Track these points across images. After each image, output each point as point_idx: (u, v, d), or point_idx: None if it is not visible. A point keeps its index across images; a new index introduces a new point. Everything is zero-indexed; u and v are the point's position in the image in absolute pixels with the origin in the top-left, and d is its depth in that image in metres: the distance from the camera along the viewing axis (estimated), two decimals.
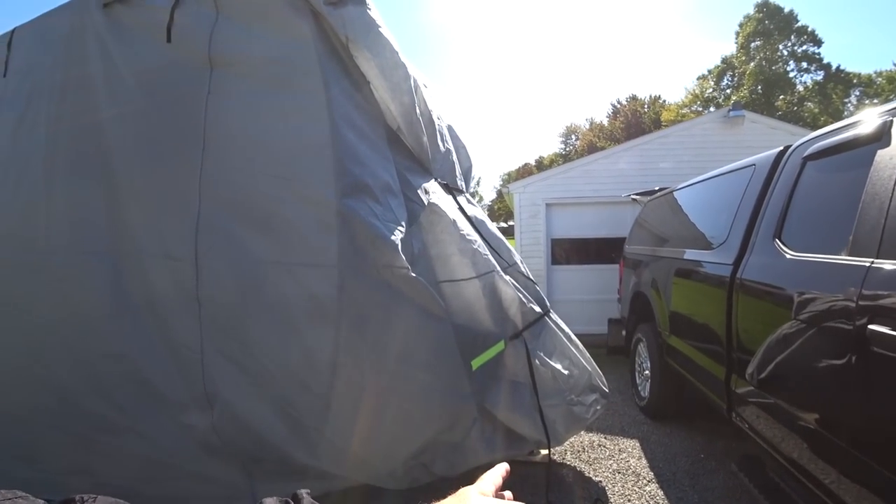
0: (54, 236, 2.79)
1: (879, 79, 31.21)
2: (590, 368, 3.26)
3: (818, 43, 31.60)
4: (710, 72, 35.76)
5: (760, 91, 31.67)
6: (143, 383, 2.60)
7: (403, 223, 2.48)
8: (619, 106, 44.46)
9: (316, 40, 2.40)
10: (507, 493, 0.58)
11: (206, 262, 2.50)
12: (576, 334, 3.40)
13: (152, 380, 2.60)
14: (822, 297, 1.79)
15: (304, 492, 0.59)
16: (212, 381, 2.51)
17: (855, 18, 49.94)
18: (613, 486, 3.10)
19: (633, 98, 43.82)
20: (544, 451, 3.18)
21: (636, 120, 41.16)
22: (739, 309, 2.45)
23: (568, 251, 7.93)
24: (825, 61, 31.40)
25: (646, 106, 42.62)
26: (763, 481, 2.23)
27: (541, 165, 45.91)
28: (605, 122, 45.43)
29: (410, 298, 2.46)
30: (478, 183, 45.49)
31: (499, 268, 2.97)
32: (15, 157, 2.98)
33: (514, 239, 7.96)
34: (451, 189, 3.21)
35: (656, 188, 5.49)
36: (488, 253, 2.95)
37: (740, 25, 33.32)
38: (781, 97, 31.76)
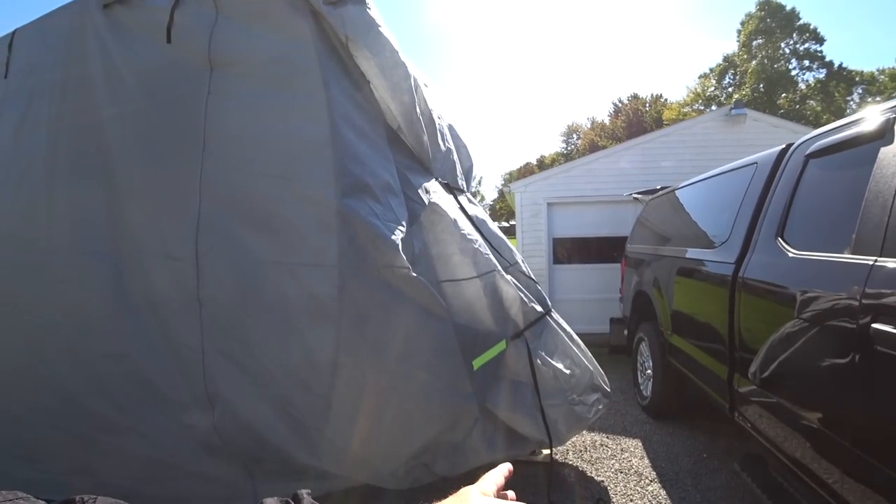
0: (55, 237, 2.80)
1: (882, 76, 31.10)
2: (591, 368, 3.26)
3: (820, 41, 31.51)
4: (711, 70, 35.68)
5: (762, 89, 31.58)
6: (144, 383, 2.60)
7: (404, 223, 2.48)
8: (620, 105, 44.40)
9: (315, 40, 2.40)
10: (510, 493, 0.57)
11: (206, 262, 2.50)
12: (577, 333, 3.39)
13: (153, 380, 2.60)
14: (824, 296, 1.77)
15: (304, 492, 0.59)
16: (213, 381, 2.51)
17: (857, 16, 49.78)
18: (615, 486, 3.09)
19: (635, 97, 43.76)
20: (546, 451, 3.17)
21: (638, 119, 41.09)
22: (742, 308, 2.44)
23: (569, 250, 7.92)
24: (827, 59, 31.32)
25: (647, 105, 42.54)
26: (766, 481, 2.22)
27: (542, 164, 45.88)
28: (607, 120, 45.36)
29: (411, 298, 2.45)
30: (479, 182, 45.51)
31: (500, 267, 2.96)
32: (16, 158, 2.99)
33: (515, 238, 7.95)
34: (452, 188, 3.20)
35: (658, 187, 5.47)
36: (489, 252, 2.94)
37: (742, 24, 33.24)
38: (783, 95, 31.67)
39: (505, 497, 0.57)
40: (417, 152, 2.90)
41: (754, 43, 32.47)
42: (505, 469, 0.59)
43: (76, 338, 2.72)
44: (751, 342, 2.35)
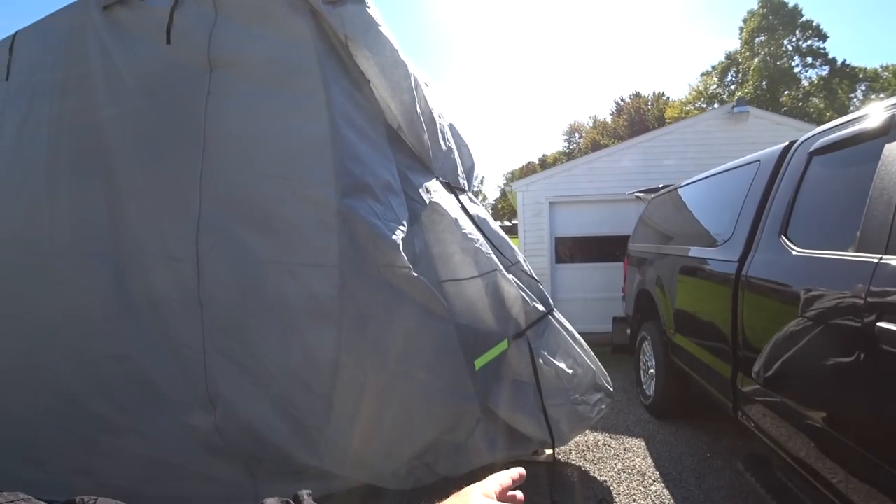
0: (57, 238, 2.81)
1: (886, 73, 30.93)
2: (594, 367, 3.24)
3: (823, 38, 31.36)
4: (713, 68, 35.58)
5: (765, 87, 31.46)
6: (145, 384, 2.61)
7: (405, 222, 2.47)
8: (622, 103, 44.32)
9: (315, 39, 2.39)
10: (518, 494, 0.56)
11: (207, 262, 2.50)
12: (580, 333, 3.38)
13: (155, 380, 2.60)
14: (829, 294, 1.76)
15: (304, 492, 0.58)
16: (214, 382, 2.51)
17: (860, 12, 49.56)
18: (618, 486, 3.08)
19: (637, 95, 43.66)
20: (548, 451, 3.16)
21: (640, 117, 41.01)
22: (745, 306, 2.42)
23: (572, 249, 7.90)
24: (830, 56, 31.17)
25: (649, 103, 42.44)
26: (770, 481, 2.20)
27: (544, 164, 45.83)
28: (609, 119, 45.30)
29: (412, 298, 2.45)
30: (481, 182, 45.47)
31: (501, 267, 2.95)
32: (19, 159, 3.00)
33: (517, 237, 7.94)
34: (453, 188, 3.19)
35: (660, 185, 5.44)
36: (491, 252, 2.93)
37: (744, 21, 33.11)
38: (786, 93, 31.54)
39: (513, 499, 0.56)
40: (418, 151, 2.89)
41: (757, 40, 32.34)
42: (516, 472, 0.57)
43: (78, 339, 2.73)
44: (754, 341, 2.33)
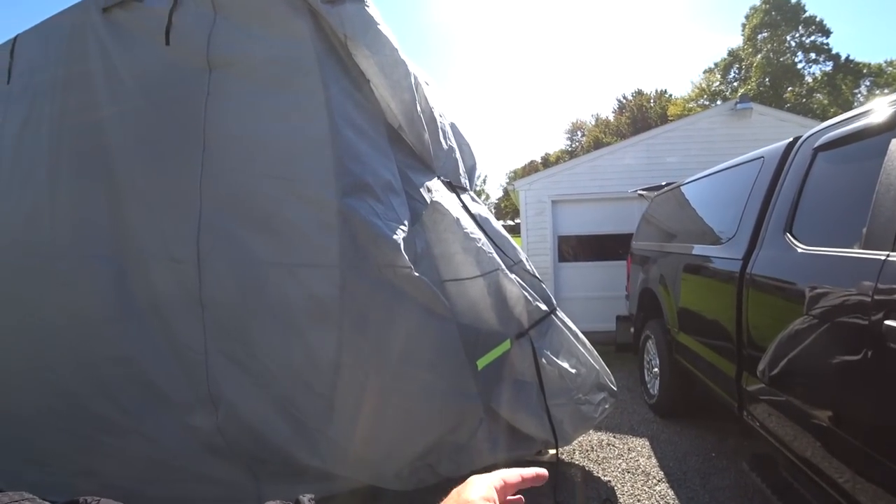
0: (58, 240, 2.81)
1: (890, 68, 30.71)
2: (597, 367, 3.22)
3: (826, 33, 31.17)
4: (716, 65, 35.45)
5: (768, 83, 31.30)
6: (147, 385, 2.61)
7: (406, 222, 2.45)
8: (624, 101, 44.19)
9: (314, 39, 2.38)
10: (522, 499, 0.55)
11: (207, 263, 2.49)
12: (583, 332, 3.36)
13: (156, 382, 2.60)
14: (835, 292, 1.74)
15: (307, 497, 0.57)
16: (215, 383, 2.51)
17: (864, 7, 49.17)
18: (623, 486, 3.06)
19: (639, 93, 43.52)
20: (552, 451, 3.15)
21: (642, 115, 40.88)
22: (750, 305, 2.40)
23: (575, 248, 7.87)
24: (834, 52, 30.98)
25: (652, 101, 42.30)
26: (775, 480, 2.18)
27: (547, 162, 45.77)
28: (611, 117, 45.17)
29: (413, 298, 2.43)
30: (484, 181, 45.42)
31: (503, 266, 2.94)
32: (20, 161, 3.01)
33: (520, 236, 7.92)
34: (455, 187, 3.17)
35: (663, 183, 5.41)
36: (493, 251, 2.91)
37: (746, 17, 32.94)
38: (790, 89, 31.38)
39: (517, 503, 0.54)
40: (419, 151, 2.88)
41: (759, 36, 32.18)
42: (530, 472, 0.55)
43: (80, 341, 2.73)
44: (759, 339, 2.31)
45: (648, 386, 4.47)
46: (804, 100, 30.71)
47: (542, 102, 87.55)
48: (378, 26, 2.51)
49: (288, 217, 2.38)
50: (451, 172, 3.19)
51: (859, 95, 30.34)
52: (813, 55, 31.45)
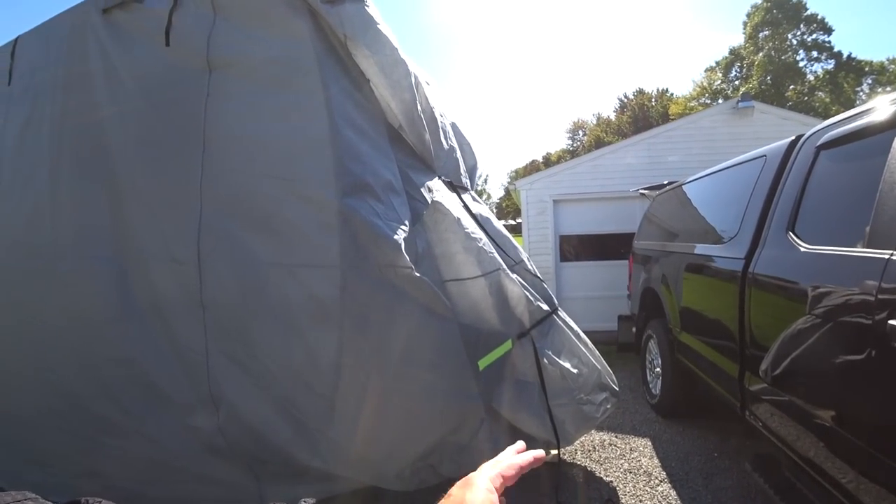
0: (60, 241, 2.81)
1: (892, 66, 30.61)
2: (599, 367, 3.21)
3: (828, 31, 31.06)
4: (717, 63, 35.36)
5: (770, 82, 31.22)
6: (149, 386, 2.61)
7: (406, 222, 2.45)
8: (626, 100, 44.12)
9: (314, 39, 2.37)
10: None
11: (208, 264, 2.49)
12: (585, 331, 3.35)
13: (158, 383, 2.60)
14: (838, 292, 1.72)
15: (309, 501, 0.57)
16: (216, 384, 2.51)
17: (865, 5, 48.98)
18: (625, 486, 3.05)
19: (641, 92, 43.44)
20: (554, 452, 3.14)
21: (644, 114, 40.81)
22: (752, 304, 2.39)
23: (576, 247, 7.86)
24: (836, 50, 30.87)
25: (653, 100, 42.22)
26: (778, 481, 2.17)
27: (548, 162, 45.73)
28: (613, 116, 45.11)
29: (414, 298, 2.43)
30: (485, 181, 45.36)
31: (505, 266, 2.93)
32: (21, 163, 3.01)
33: (521, 236, 7.91)
34: (456, 187, 3.17)
35: (665, 182, 5.40)
36: (494, 251, 2.91)
37: (748, 16, 32.85)
38: (792, 87, 31.29)
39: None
40: (419, 150, 2.87)
41: (761, 35, 32.09)
42: (528, 457, 0.55)
43: (81, 342, 2.74)
44: (762, 339, 2.30)
45: (650, 386, 4.46)
46: (806, 98, 30.63)
47: (544, 101, 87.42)
48: (378, 26, 2.51)
49: (288, 217, 2.38)
50: (452, 172, 3.19)
51: (861, 93, 30.25)
52: (815, 53, 31.35)
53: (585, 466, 3.34)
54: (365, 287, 2.34)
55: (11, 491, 0.46)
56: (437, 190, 2.82)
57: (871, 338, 1.51)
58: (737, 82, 33.64)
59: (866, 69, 30.71)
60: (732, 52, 34.20)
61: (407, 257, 2.35)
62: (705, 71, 36.70)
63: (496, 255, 2.90)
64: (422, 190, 2.72)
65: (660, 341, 4.12)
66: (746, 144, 4.41)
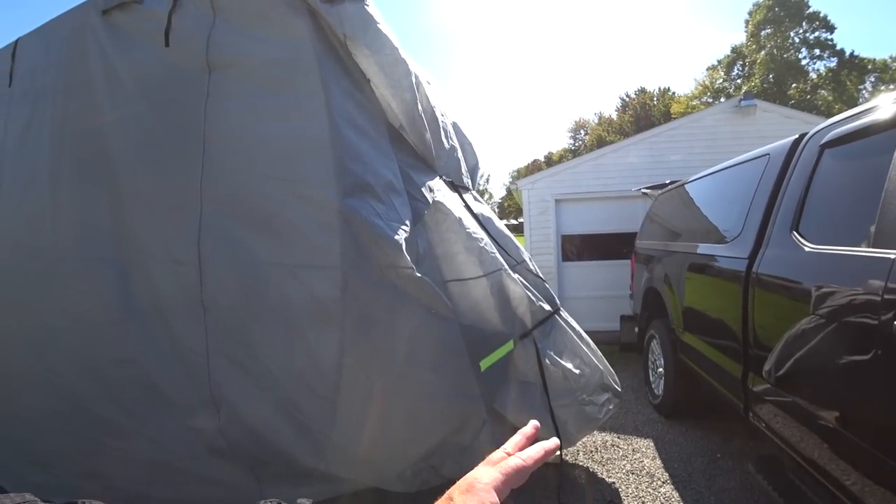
0: (61, 243, 2.81)
1: (895, 64, 30.49)
2: (601, 367, 3.20)
3: (831, 29, 30.97)
4: (719, 62, 35.28)
5: (772, 80, 31.14)
6: (150, 388, 2.60)
7: (408, 222, 2.44)
8: (627, 99, 44.07)
9: (314, 39, 2.36)
10: None
11: (209, 265, 2.48)
12: (587, 331, 3.34)
13: (159, 384, 2.60)
14: (843, 292, 1.71)
15: (307, 501, 0.56)
16: (217, 385, 2.50)
17: (868, 2, 48.82)
18: (627, 488, 3.04)
19: (642, 91, 43.38)
20: (556, 453, 3.13)
21: (645, 113, 40.76)
22: (756, 304, 2.37)
23: (578, 247, 7.84)
24: (838, 47, 30.79)
25: (655, 98, 42.16)
26: (781, 482, 2.15)
27: (550, 161, 45.70)
28: (614, 115, 45.07)
29: (416, 299, 2.42)
30: (487, 180, 45.39)
31: (506, 266, 2.92)
32: (22, 165, 3.01)
33: (523, 236, 7.89)
34: (457, 186, 3.16)
35: (667, 181, 5.38)
36: (495, 251, 2.89)
37: (750, 14, 32.78)
38: (794, 86, 31.20)
39: None
40: (420, 150, 2.86)
41: (763, 33, 32.00)
42: (538, 451, 0.52)
43: (83, 343, 2.73)
44: (766, 340, 2.28)
45: (653, 386, 4.44)
46: (808, 96, 30.54)
47: (545, 101, 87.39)
48: (378, 25, 2.50)
49: (289, 218, 2.37)
50: (454, 172, 3.17)
51: (864, 91, 30.15)
52: (817, 51, 31.26)
53: (587, 467, 3.33)
54: (366, 288, 2.33)
55: (11, 493, 0.46)
56: (438, 190, 2.81)
57: (877, 338, 1.50)
58: (739, 81, 33.56)
59: (869, 67, 30.60)
60: (734, 50, 34.11)
61: (408, 258, 2.34)
62: (707, 69, 36.67)
63: (498, 255, 2.89)
64: (423, 190, 2.70)
65: (662, 341, 4.10)
66: (749, 143, 4.39)
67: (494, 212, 3.43)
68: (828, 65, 31.07)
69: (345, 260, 2.28)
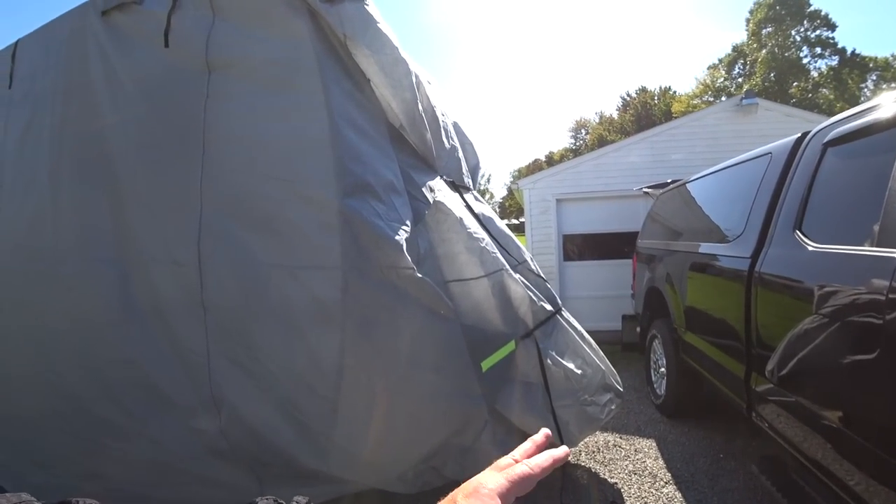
0: (61, 244, 2.81)
1: None
2: (603, 367, 3.19)
3: (832, 27, 30.88)
4: (720, 61, 35.20)
5: (773, 79, 31.07)
6: (151, 388, 2.60)
7: (408, 222, 2.43)
8: (628, 98, 44.02)
9: (314, 39, 2.35)
10: None
11: (209, 266, 2.48)
12: (589, 331, 3.33)
13: (160, 385, 2.60)
14: (847, 291, 1.70)
15: (302, 499, 0.55)
16: (218, 386, 2.50)
17: (869, 0, 48.70)
18: (629, 488, 3.03)
19: (643, 90, 43.32)
20: (565, 461, 3.12)
21: (646, 112, 40.71)
22: (759, 304, 2.36)
23: (580, 247, 7.83)
24: (840, 46, 30.68)
25: (656, 98, 42.10)
26: (785, 483, 2.14)
27: (551, 161, 45.66)
28: (615, 115, 45.03)
29: (417, 299, 2.41)
30: (488, 180, 45.32)
31: (508, 266, 2.91)
32: (22, 166, 3.01)
33: (525, 235, 7.88)
34: (458, 186, 3.15)
35: (668, 181, 5.37)
36: (497, 251, 2.88)
37: (751, 12, 32.69)
38: (795, 84, 31.13)
39: None
40: (421, 150, 2.86)
41: (764, 31, 31.93)
42: (547, 459, 0.51)
43: (84, 344, 2.73)
44: (769, 339, 2.27)
45: (655, 386, 4.43)
46: (810, 95, 30.47)
47: (546, 100, 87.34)
48: (378, 25, 2.49)
49: (289, 218, 2.36)
50: (454, 172, 3.17)
51: (866, 90, 30.07)
52: (818, 50, 31.17)
53: (590, 468, 3.32)
54: (367, 288, 2.32)
55: (8, 493, 0.46)
56: (439, 190, 2.80)
57: (881, 337, 1.48)
58: (740, 79, 33.49)
59: (870, 65, 30.51)
60: (735, 49, 34.04)
61: (409, 258, 2.33)
62: (708, 68, 36.60)
63: (499, 255, 2.88)
64: (423, 190, 2.70)
65: (664, 341, 4.09)
66: (750, 142, 4.37)
67: (495, 211, 3.42)
68: (829, 63, 31.02)
69: (345, 260, 2.27)
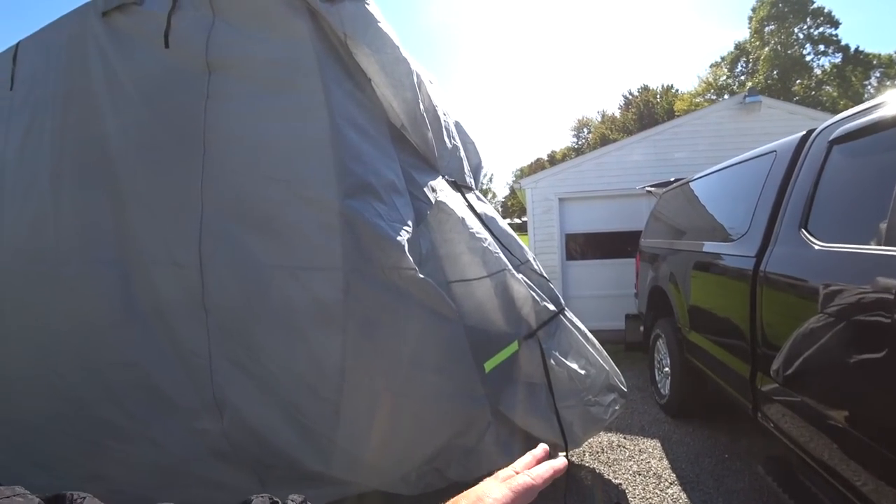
0: (63, 246, 2.81)
1: None
2: (607, 367, 3.17)
3: (835, 24, 30.74)
4: (723, 59, 35.11)
5: (776, 76, 30.95)
6: (153, 390, 2.60)
7: (410, 223, 2.42)
8: (630, 97, 43.93)
9: (314, 39, 2.34)
10: None
11: (210, 267, 2.47)
12: (592, 331, 3.31)
13: (162, 387, 2.59)
14: (854, 290, 1.67)
15: (297, 497, 0.54)
16: (220, 388, 2.49)
17: None
18: (634, 489, 3.01)
19: (645, 88, 43.23)
20: (561, 454, 3.10)
21: (649, 111, 40.61)
22: (764, 303, 2.34)
23: (583, 246, 7.80)
24: (843, 43, 30.56)
25: (658, 96, 42.00)
26: (791, 483, 2.12)
27: (553, 160, 45.60)
28: (618, 113, 44.94)
29: (419, 300, 2.40)
30: (490, 179, 45.37)
31: (510, 266, 2.89)
32: (23, 169, 3.01)
33: (527, 235, 7.86)
34: (460, 186, 3.14)
35: (671, 179, 5.34)
36: (499, 251, 2.87)
37: (753, 10, 32.58)
38: (798, 82, 31.01)
39: None
40: (423, 150, 2.84)
41: (766, 29, 31.80)
42: (547, 470, 0.51)
43: (85, 346, 2.73)
44: (774, 339, 2.25)
45: (659, 386, 4.41)
46: (813, 92, 30.34)
47: (548, 100, 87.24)
48: (378, 24, 2.48)
49: (290, 219, 2.36)
50: (456, 171, 3.15)
51: (869, 87, 29.93)
52: (821, 47, 31.04)
53: (594, 468, 3.30)
54: (368, 289, 2.31)
55: (2, 486, 0.45)
56: (440, 190, 2.79)
57: (889, 337, 1.46)
58: (742, 77, 33.39)
59: (874, 62, 30.36)
60: (738, 47, 33.93)
61: (411, 258, 2.32)
62: (710, 66, 36.51)
63: (501, 254, 2.86)
64: (425, 190, 2.68)
65: (668, 340, 4.06)
66: (754, 140, 4.34)
67: (498, 211, 3.40)
68: (832, 60, 30.88)
69: (347, 261, 2.26)
